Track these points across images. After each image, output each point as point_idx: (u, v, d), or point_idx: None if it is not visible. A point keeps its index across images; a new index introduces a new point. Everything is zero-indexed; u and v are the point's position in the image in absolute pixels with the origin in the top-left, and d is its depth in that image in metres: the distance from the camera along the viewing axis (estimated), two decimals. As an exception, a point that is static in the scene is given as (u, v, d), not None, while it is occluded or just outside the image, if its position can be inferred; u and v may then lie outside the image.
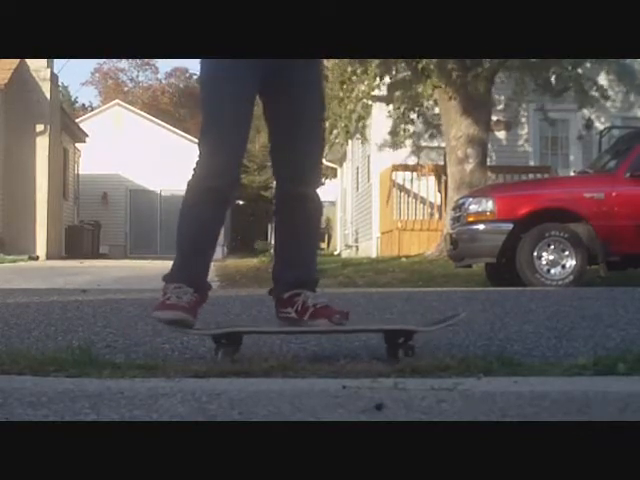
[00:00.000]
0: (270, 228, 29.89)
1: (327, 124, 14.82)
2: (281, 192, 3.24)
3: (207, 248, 3.14)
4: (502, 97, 15.07)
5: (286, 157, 3.18)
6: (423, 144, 16.56)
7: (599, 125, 17.25)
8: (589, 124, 18.13)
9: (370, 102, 15.20)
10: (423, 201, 17.03)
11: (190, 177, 3.09)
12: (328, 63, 14.45)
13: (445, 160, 15.09)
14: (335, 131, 14.88)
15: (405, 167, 16.72)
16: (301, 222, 3.22)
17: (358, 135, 16.10)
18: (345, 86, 14.20)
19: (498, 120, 16.61)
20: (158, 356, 3.15)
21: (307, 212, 3.22)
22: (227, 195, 3.10)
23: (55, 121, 21.69)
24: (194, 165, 3.08)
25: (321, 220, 3.38)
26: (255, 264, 13.70)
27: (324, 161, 26.75)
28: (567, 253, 8.91)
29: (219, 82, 3.04)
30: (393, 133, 15.07)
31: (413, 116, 14.97)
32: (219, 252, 30.19)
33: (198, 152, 3.09)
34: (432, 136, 15.51)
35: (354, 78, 13.94)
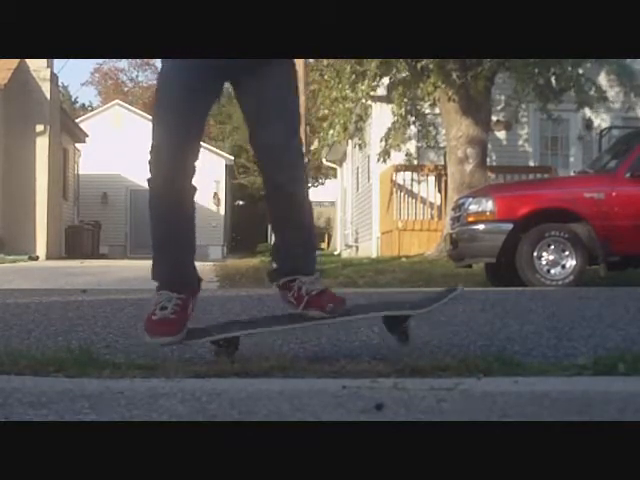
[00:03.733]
0: (270, 228, 29.83)
1: (325, 123, 14.81)
2: (263, 179, 3.19)
3: (177, 245, 3.07)
4: (502, 97, 15.05)
5: (259, 144, 3.08)
6: (423, 144, 16.54)
7: (599, 125, 17.26)
8: (589, 124, 18.13)
9: (370, 102, 15.19)
10: (423, 201, 17.03)
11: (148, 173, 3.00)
12: (325, 62, 14.43)
13: (445, 160, 15.08)
14: (331, 131, 14.85)
15: (405, 167, 16.72)
16: (284, 209, 3.16)
17: (358, 139, 16.07)
18: (340, 85, 14.18)
19: (498, 120, 16.61)
20: (158, 356, 3.15)
21: (288, 200, 3.13)
22: (179, 191, 2.99)
23: (55, 121, 21.68)
24: (148, 159, 2.97)
25: (308, 207, 3.23)
26: (255, 264, 13.68)
27: (324, 161, 26.82)
28: (567, 253, 8.91)
29: (170, 71, 2.97)
30: (387, 137, 15.00)
31: (411, 119, 14.93)
32: (219, 252, 30.24)
33: (150, 146, 2.99)
34: (430, 137, 15.46)
35: (351, 78, 13.92)
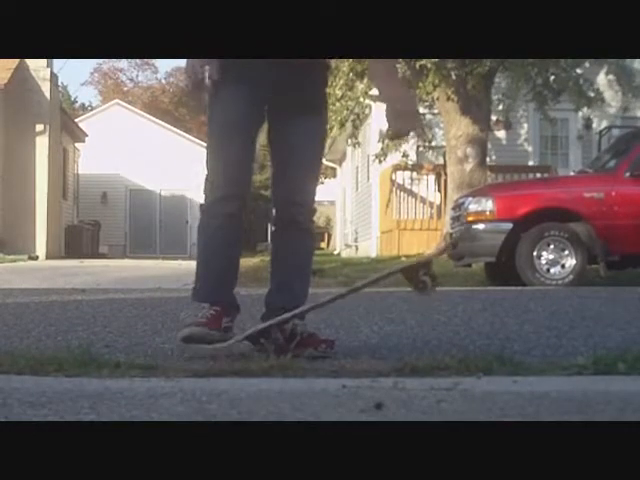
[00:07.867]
0: (270, 228, 29.80)
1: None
2: (276, 217, 3.31)
3: (220, 266, 3.26)
4: (502, 96, 15.04)
5: (281, 184, 3.27)
6: (422, 144, 16.54)
7: (599, 125, 17.26)
8: (589, 124, 18.13)
9: (369, 101, 15.18)
10: (423, 200, 17.03)
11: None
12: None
13: (445, 159, 15.08)
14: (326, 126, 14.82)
15: (405, 167, 16.71)
16: (292, 249, 3.27)
17: (355, 137, 16.03)
18: (339, 83, 14.17)
19: (498, 119, 16.60)
20: (158, 356, 3.15)
21: (298, 240, 3.27)
22: (234, 215, 3.25)
23: (55, 121, 21.68)
24: (203, 184, 3.21)
25: (313, 249, 3.43)
26: (255, 263, 13.67)
27: (323, 160, 26.77)
28: (567, 252, 8.92)
29: (225, 102, 3.11)
30: (385, 137, 14.97)
31: None
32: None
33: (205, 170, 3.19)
34: (426, 138, 15.44)
35: (349, 77, 13.91)
